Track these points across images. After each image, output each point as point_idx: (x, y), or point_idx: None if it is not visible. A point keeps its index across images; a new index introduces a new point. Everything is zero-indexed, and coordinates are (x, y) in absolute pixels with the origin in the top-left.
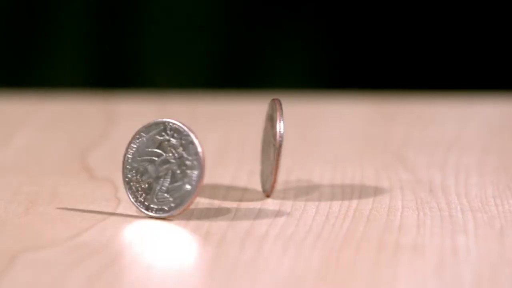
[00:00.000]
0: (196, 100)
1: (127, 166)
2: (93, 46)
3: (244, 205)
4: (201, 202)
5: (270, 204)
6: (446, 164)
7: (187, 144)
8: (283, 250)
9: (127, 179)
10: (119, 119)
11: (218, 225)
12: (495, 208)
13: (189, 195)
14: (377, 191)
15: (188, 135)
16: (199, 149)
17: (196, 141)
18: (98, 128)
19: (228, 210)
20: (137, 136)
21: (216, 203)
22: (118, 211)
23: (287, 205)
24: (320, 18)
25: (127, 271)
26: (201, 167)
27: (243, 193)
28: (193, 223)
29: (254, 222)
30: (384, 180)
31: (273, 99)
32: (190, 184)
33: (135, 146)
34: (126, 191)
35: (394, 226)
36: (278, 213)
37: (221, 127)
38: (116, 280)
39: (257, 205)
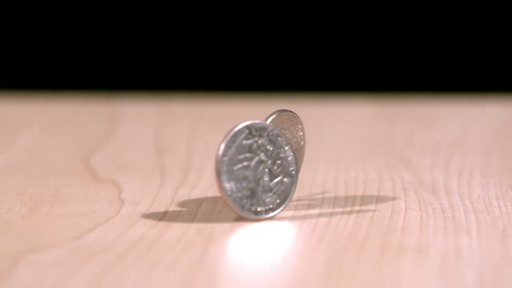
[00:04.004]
0: (198, 101)
1: (224, 179)
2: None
3: None
4: (204, 206)
5: None
6: (449, 165)
7: (275, 138)
8: (286, 251)
9: (228, 193)
10: (122, 120)
11: (221, 227)
12: (498, 209)
13: (291, 185)
14: (380, 192)
15: (273, 130)
16: (289, 139)
17: (281, 133)
18: (102, 129)
19: (231, 213)
20: (225, 148)
21: (220, 206)
22: (122, 212)
23: (290, 206)
24: (320, 18)
25: (131, 273)
26: (294, 156)
27: None
28: (195, 225)
29: (258, 224)
30: (387, 181)
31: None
32: (289, 175)
33: (226, 158)
34: (229, 203)
35: (397, 227)
36: (281, 215)
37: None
38: (120, 281)
39: None
